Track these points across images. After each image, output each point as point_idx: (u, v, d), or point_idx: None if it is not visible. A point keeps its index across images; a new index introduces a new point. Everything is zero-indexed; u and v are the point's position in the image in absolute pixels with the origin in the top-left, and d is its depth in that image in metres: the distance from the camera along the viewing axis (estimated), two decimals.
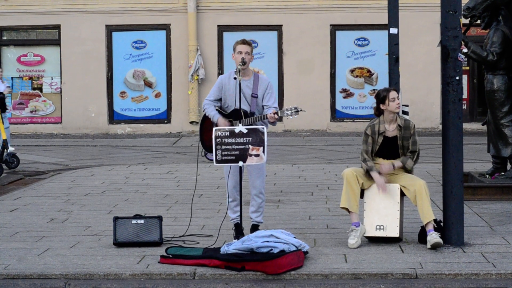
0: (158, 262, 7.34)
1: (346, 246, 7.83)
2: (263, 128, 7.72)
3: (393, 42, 10.73)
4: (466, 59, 12.39)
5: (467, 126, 20.33)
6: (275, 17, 21.66)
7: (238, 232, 8.05)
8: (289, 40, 21.71)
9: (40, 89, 22.31)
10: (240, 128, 7.70)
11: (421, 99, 21.24)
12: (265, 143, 7.67)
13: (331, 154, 16.93)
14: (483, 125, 12.03)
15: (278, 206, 10.30)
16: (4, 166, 14.58)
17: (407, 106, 10.84)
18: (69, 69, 21.99)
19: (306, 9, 21.62)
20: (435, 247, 7.65)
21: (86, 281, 6.94)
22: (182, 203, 10.62)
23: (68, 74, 22.00)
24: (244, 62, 8.01)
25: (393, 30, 10.70)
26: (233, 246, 7.25)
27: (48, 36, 22.34)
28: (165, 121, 22.07)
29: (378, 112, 8.11)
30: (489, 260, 7.27)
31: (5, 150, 14.73)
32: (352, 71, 21.86)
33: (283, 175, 13.28)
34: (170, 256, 7.38)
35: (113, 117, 22.14)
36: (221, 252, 7.26)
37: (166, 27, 21.87)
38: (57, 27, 22.05)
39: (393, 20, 10.74)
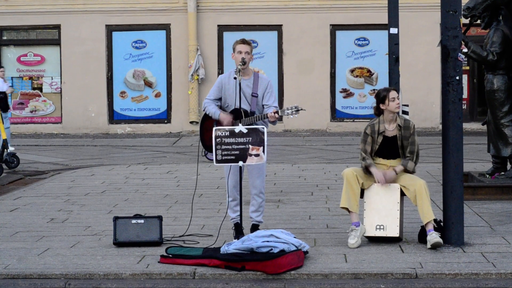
0: (158, 262, 7.34)
1: (346, 246, 7.83)
2: (263, 128, 7.71)
3: (393, 42, 10.73)
4: (466, 59, 12.39)
5: (467, 126, 20.33)
6: (275, 17, 21.67)
7: (238, 231, 8.05)
8: (289, 40, 21.72)
9: (40, 89, 22.32)
10: (240, 128, 7.70)
11: (421, 99, 21.25)
12: (265, 143, 7.67)
13: (331, 154, 16.94)
14: (483, 125, 12.03)
15: (278, 206, 10.30)
16: (4, 166, 14.59)
17: (407, 106, 10.84)
18: (69, 69, 21.99)
19: (306, 9, 21.63)
20: (435, 247, 7.65)
21: (86, 281, 6.94)
22: (182, 203, 10.62)
23: (68, 74, 22.01)
24: (244, 62, 8.01)
25: (393, 30, 10.70)
26: (233, 246, 7.25)
27: (48, 36, 22.34)
28: (165, 121, 22.07)
29: (378, 111, 8.11)
30: (489, 260, 7.27)
31: (5, 150, 14.73)
32: (352, 71, 21.86)
33: (283, 175, 13.28)
34: (170, 256, 7.38)
35: (113, 117, 22.15)
36: (221, 252, 7.26)
37: (166, 27, 21.87)
38: (57, 27, 22.06)
39: (393, 20, 10.74)
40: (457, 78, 7.83)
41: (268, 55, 21.78)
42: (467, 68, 21.25)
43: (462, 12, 9.15)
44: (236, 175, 7.97)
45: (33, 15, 21.83)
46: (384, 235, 7.95)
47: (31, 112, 22.19)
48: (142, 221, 8.06)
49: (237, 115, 8.09)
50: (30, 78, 22.27)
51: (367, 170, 8.03)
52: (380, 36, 20.41)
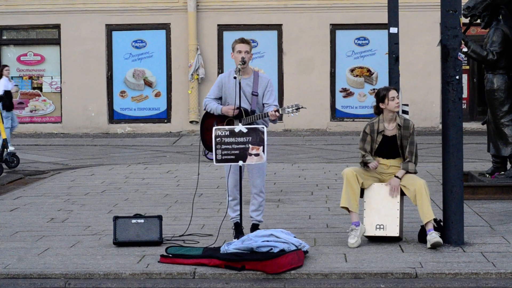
0: (158, 262, 7.34)
1: (346, 246, 7.83)
2: (263, 127, 7.71)
3: (393, 41, 10.74)
4: (466, 59, 12.38)
5: (467, 125, 20.33)
6: (275, 17, 21.66)
7: (238, 231, 8.05)
8: (289, 40, 21.71)
9: (40, 89, 22.31)
10: (240, 127, 7.70)
11: (421, 98, 21.24)
12: (265, 143, 7.67)
13: (331, 154, 16.93)
14: (483, 124, 12.03)
15: (278, 206, 10.30)
16: (4, 166, 14.58)
17: (407, 105, 10.84)
18: (69, 69, 21.99)
19: (306, 9, 21.62)
20: (435, 246, 7.65)
21: (86, 281, 6.94)
22: (182, 202, 10.62)
23: (68, 74, 22.00)
24: (244, 61, 8.00)
25: (393, 30, 10.71)
26: (233, 246, 7.25)
27: (48, 35, 22.34)
28: (165, 121, 22.07)
29: (378, 110, 8.11)
30: (489, 260, 7.27)
31: (5, 149, 14.73)
32: (352, 70, 21.86)
33: (283, 175, 13.28)
34: (170, 255, 7.38)
35: (113, 117, 22.14)
36: (221, 252, 7.25)
37: (166, 27, 21.86)
38: (57, 27, 22.05)
39: (393, 19, 10.74)
40: (457, 77, 7.83)
41: (268, 54, 21.78)
42: (467, 67, 21.24)
43: (462, 12, 9.15)
44: (236, 174, 7.97)
45: (33, 14, 21.83)
46: (384, 234, 7.95)
47: (31, 111, 22.18)
48: (142, 220, 8.06)
49: (238, 114, 8.08)
50: (30, 77, 22.27)
51: (365, 165, 8.03)
52: (380, 36, 20.41)
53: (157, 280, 6.96)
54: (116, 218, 8.05)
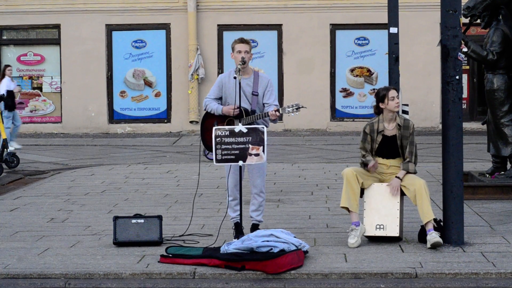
0: (158, 262, 7.34)
1: (346, 246, 7.83)
2: (263, 127, 7.71)
3: (393, 41, 10.73)
4: (466, 59, 12.38)
5: (467, 125, 20.33)
6: (275, 17, 21.67)
7: (238, 231, 8.04)
8: (289, 40, 21.72)
9: (40, 89, 22.32)
10: (240, 127, 7.70)
11: (421, 98, 21.24)
12: (265, 143, 7.67)
13: (331, 154, 16.94)
14: (483, 124, 12.03)
15: (278, 206, 10.30)
16: (4, 166, 14.58)
17: (407, 105, 10.84)
18: (69, 69, 21.99)
19: (306, 9, 21.62)
20: (435, 246, 7.65)
21: (86, 281, 6.94)
22: (182, 202, 10.62)
23: (68, 74, 22.00)
24: (244, 61, 8.00)
25: (393, 30, 10.71)
26: (233, 246, 7.25)
27: (48, 35, 22.34)
28: (165, 121, 22.07)
29: (378, 110, 8.11)
30: (489, 260, 7.27)
31: (5, 149, 14.74)
32: (352, 70, 21.86)
33: (283, 175, 13.28)
34: (170, 255, 7.38)
35: (113, 117, 22.15)
36: (221, 252, 7.25)
37: (166, 27, 21.87)
38: (57, 27, 22.05)
39: (393, 19, 10.74)
40: (457, 77, 7.83)
41: (268, 54, 21.78)
42: (467, 67, 21.25)
43: (462, 12, 9.15)
44: (236, 174, 7.97)
45: (33, 14, 21.83)
46: (384, 234, 7.95)
47: (31, 111, 22.19)
48: (142, 220, 8.06)
49: (238, 114, 8.08)
50: (30, 77, 22.27)
51: (365, 166, 8.04)
52: (380, 36, 20.42)
53: (157, 280, 6.96)
54: (116, 218, 8.05)
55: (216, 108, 8.18)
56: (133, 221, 8.05)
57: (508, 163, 11.33)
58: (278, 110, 7.98)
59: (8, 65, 17.67)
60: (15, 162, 14.89)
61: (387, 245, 7.87)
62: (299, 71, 21.68)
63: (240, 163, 7.70)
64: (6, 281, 6.94)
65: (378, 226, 7.97)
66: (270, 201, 10.44)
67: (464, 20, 9.61)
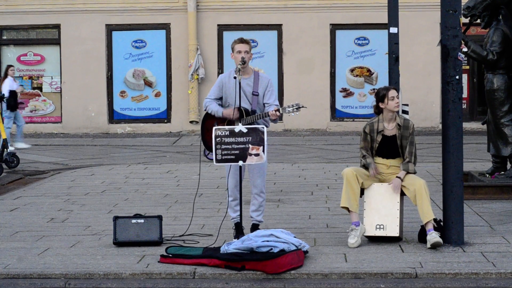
0: (158, 262, 7.34)
1: (346, 246, 7.83)
2: (263, 127, 7.71)
3: (393, 41, 10.74)
4: (466, 59, 12.38)
5: (467, 125, 20.33)
6: (275, 17, 21.67)
7: (239, 231, 8.04)
8: (289, 40, 21.72)
9: (40, 89, 22.32)
10: (240, 127, 7.70)
11: (421, 98, 21.24)
12: (265, 143, 7.67)
13: (331, 154, 16.94)
14: (483, 124, 12.03)
15: (278, 206, 10.30)
16: (4, 166, 14.58)
17: (407, 105, 10.85)
18: (69, 69, 21.99)
19: (306, 9, 21.62)
20: (435, 246, 7.65)
21: (86, 281, 6.94)
22: (182, 202, 10.62)
23: (68, 74, 22.00)
24: (244, 61, 8.01)
25: (393, 30, 10.71)
26: (233, 246, 7.25)
27: (48, 35, 22.34)
28: (165, 121, 22.07)
29: (378, 110, 8.12)
30: (489, 260, 7.27)
31: (5, 149, 14.74)
32: (352, 70, 21.86)
33: (283, 175, 13.28)
34: (170, 255, 7.38)
35: (113, 117, 22.15)
36: (221, 252, 7.25)
37: (166, 27, 21.87)
38: (57, 27, 22.05)
39: (393, 19, 10.74)
40: (457, 77, 7.83)
41: (268, 54, 21.78)
42: (467, 67, 21.25)
43: (462, 12, 9.15)
44: (236, 174, 7.96)
45: (33, 14, 21.83)
46: (384, 234, 7.95)
47: (31, 111, 22.18)
48: (142, 220, 8.06)
49: (238, 114, 8.08)
50: (30, 77, 22.27)
51: (366, 168, 8.05)
52: (380, 36, 20.42)
53: (157, 280, 6.96)
54: (116, 218, 8.05)
55: (216, 110, 8.17)
56: (133, 221, 8.05)
57: (508, 163, 11.33)
58: (278, 110, 7.98)
59: (11, 65, 17.69)
60: (15, 162, 14.90)
61: (387, 245, 7.87)
62: (299, 71, 21.68)
63: (240, 163, 7.70)
64: (6, 281, 6.94)
65: (378, 226, 7.97)
66: (270, 201, 10.44)
67: (464, 20, 9.61)
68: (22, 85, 19.27)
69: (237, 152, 7.66)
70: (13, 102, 16.32)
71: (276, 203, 10.50)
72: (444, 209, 7.97)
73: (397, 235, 7.93)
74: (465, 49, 10.56)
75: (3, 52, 22.31)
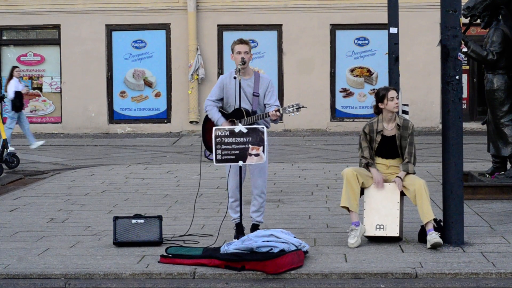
0: (158, 262, 7.34)
1: (346, 246, 7.83)
2: (263, 127, 7.71)
3: (393, 41, 10.74)
4: (466, 59, 12.39)
5: (467, 125, 20.33)
6: (275, 17, 21.67)
7: (239, 231, 8.04)
8: (289, 40, 21.72)
9: (40, 89, 22.32)
10: (240, 127, 7.70)
11: (421, 98, 21.25)
12: (265, 143, 7.67)
13: (331, 154, 16.94)
14: (483, 124, 12.03)
15: (278, 206, 10.30)
16: (4, 166, 14.59)
17: (407, 105, 10.85)
18: (69, 69, 21.99)
19: (306, 9, 21.63)
20: (435, 246, 7.65)
21: (86, 281, 6.94)
22: (182, 202, 10.62)
23: (68, 74, 22.01)
24: (244, 62, 8.00)
25: (393, 30, 10.71)
26: (233, 246, 7.25)
27: (48, 35, 22.34)
28: (165, 121, 22.07)
29: (377, 110, 8.12)
30: (489, 260, 7.27)
31: (5, 149, 14.74)
32: (352, 70, 21.86)
33: (283, 175, 13.28)
34: (170, 255, 7.38)
35: (113, 117, 22.15)
36: (221, 252, 7.25)
37: (166, 27, 21.87)
38: (57, 27, 22.06)
39: (393, 19, 10.74)
40: (457, 77, 7.83)
41: (268, 54, 21.78)
42: (467, 67, 21.25)
43: (462, 12, 9.15)
44: (237, 175, 7.96)
45: (33, 15, 21.83)
46: (384, 234, 7.95)
47: (31, 112, 22.18)
48: (142, 221, 8.06)
49: (239, 115, 8.08)
50: (30, 78, 22.27)
51: (365, 166, 8.05)
52: (380, 36, 20.42)
53: (157, 280, 6.96)
54: (116, 218, 8.04)
55: (217, 119, 8.11)
56: (133, 221, 8.05)
57: (508, 163, 11.33)
58: (278, 110, 7.98)
59: (16, 66, 17.70)
60: (15, 162, 14.90)
61: (387, 245, 7.87)
62: (299, 71, 21.68)
63: (240, 163, 7.70)
64: (6, 281, 6.94)
65: (378, 226, 7.97)
66: (270, 201, 10.44)
67: (464, 20, 9.61)
68: (27, 86, 19.28)
69: (237, 152, 7.66)
70: (18, 103, 16.36)
71: (276, 203, 10.50)
72: (444, 209, 7.97)
73: (397, 235, 7.93)
74: (465, 49, 10.56)
75: (3, 53, 22.31)
